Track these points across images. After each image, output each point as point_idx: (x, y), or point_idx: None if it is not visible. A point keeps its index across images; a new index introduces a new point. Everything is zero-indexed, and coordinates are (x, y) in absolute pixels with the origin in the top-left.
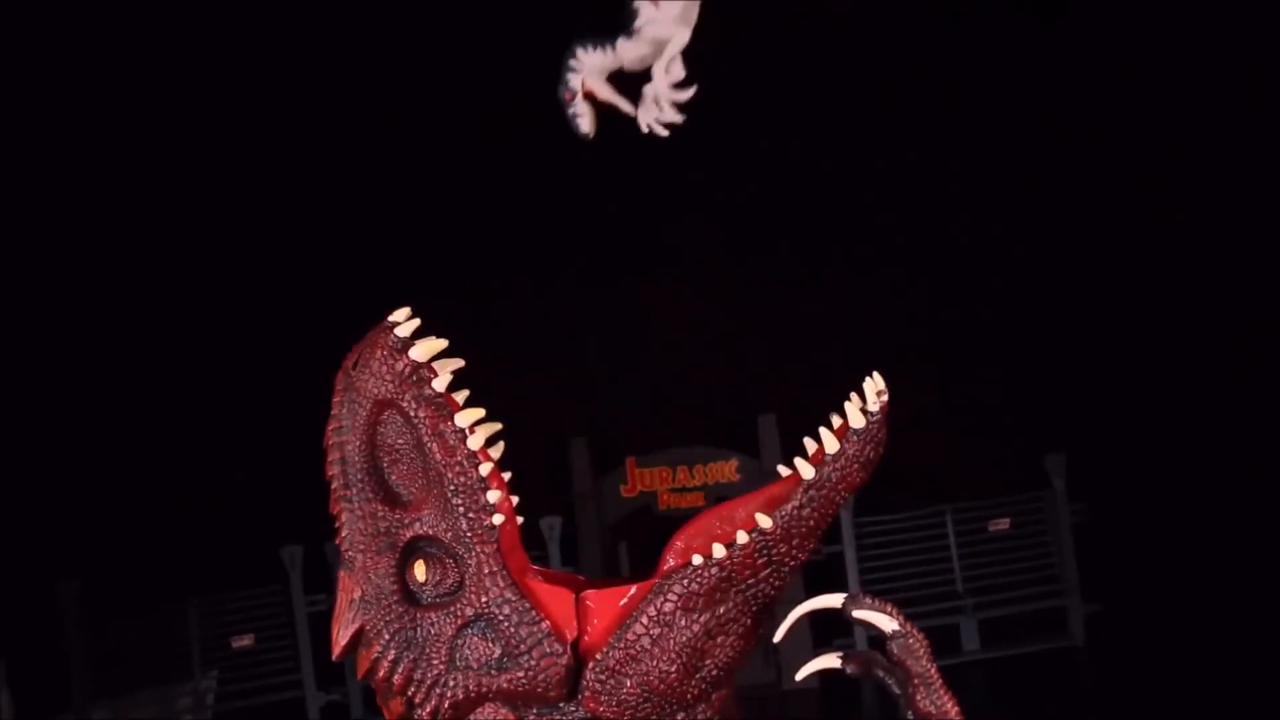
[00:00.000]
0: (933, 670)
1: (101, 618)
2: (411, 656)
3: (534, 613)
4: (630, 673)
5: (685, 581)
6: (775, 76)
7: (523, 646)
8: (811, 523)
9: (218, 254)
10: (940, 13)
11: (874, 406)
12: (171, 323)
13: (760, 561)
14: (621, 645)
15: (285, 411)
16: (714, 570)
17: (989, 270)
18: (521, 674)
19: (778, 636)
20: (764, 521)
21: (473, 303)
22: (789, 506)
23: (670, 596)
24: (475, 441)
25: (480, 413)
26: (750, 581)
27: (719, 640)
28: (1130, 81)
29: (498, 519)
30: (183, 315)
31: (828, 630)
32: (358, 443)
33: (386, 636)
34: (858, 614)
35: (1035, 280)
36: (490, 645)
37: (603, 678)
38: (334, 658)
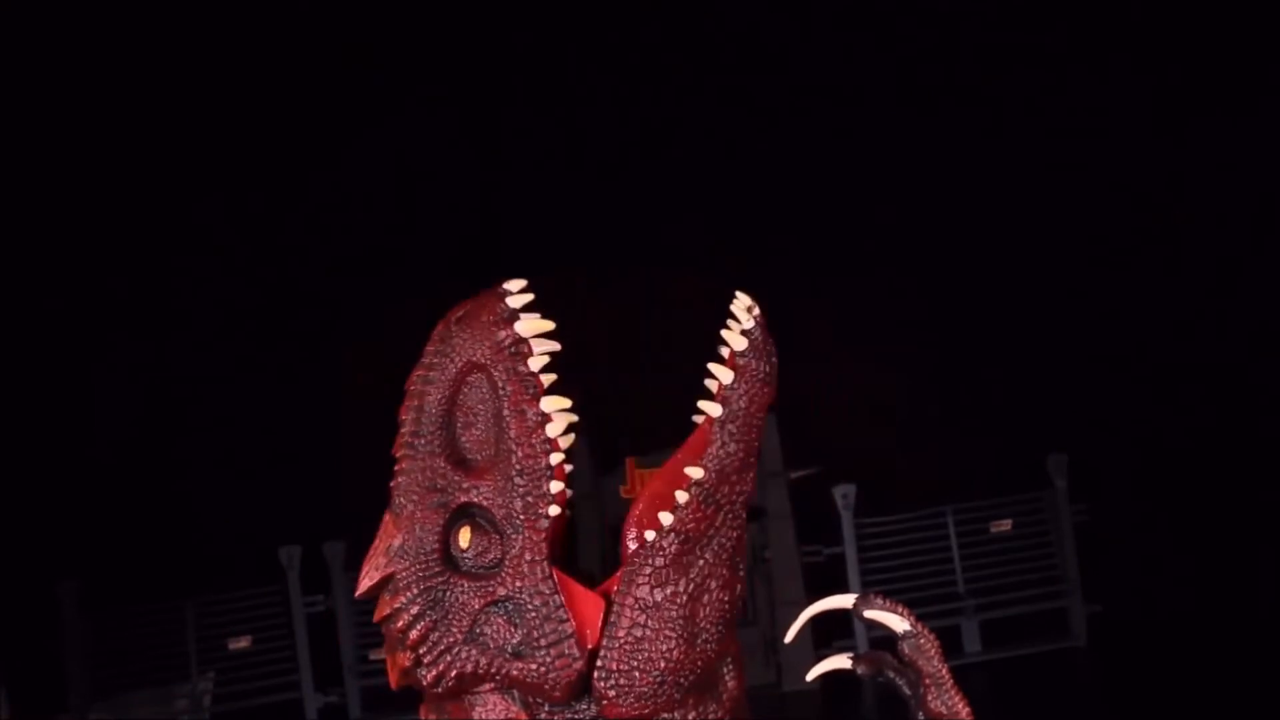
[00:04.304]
0: (944, 671)
1: (100, 618)
2: (434, 617)
3: (562, 611)
4: (634, 666)
5: (649, 559)
6: (777, 75)
7: (542, 641)
8: (740, 456)
9: (217, 253)
10: (941, 12)
11: (749, 324)
12: (170, 322)
13: (710, 511)
14: (615, 645)
15: (285, 412)
16: (670, 538)
17: (990, 269)
18: (534, 666)
19: (788, 637)
20: (695, 473)
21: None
22: (713, 449)
23: (641, 581)
24: (553, 429)
25: (565, 402)
26: (710, 534)
27: (704, 600)
28: (1131, 80)
29: (554, 510)
30: (182, 314)
31: (828, 630)
32: (439, 395)
33: (415, 591)
34: (869, 614)
35: (1037, 279)
36: (511, 630)
37: (610, 681)
38: (355, 595)
